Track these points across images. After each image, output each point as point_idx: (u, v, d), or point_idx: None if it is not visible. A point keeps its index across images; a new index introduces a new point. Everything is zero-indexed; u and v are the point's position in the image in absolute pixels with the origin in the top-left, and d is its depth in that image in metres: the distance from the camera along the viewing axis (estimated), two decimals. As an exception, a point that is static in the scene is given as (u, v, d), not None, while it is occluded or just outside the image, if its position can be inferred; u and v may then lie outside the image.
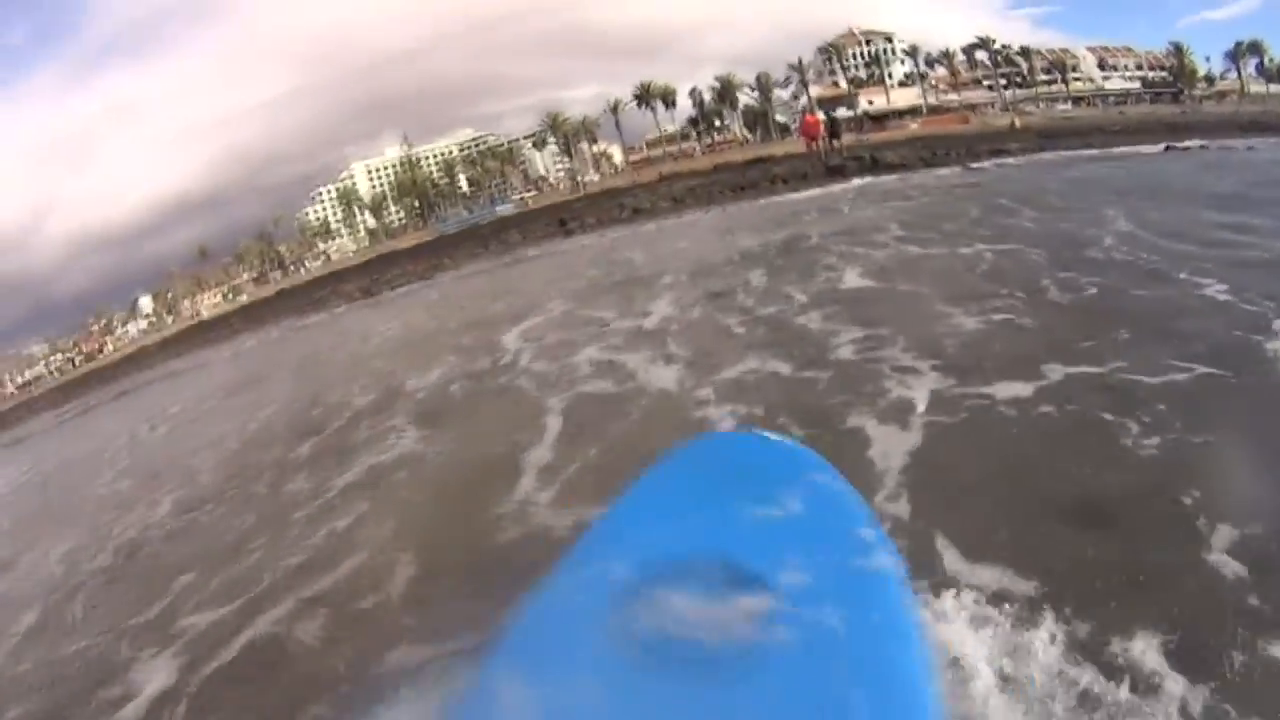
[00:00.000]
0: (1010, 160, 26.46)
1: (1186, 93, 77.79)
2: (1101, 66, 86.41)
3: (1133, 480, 3.89)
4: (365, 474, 6.55)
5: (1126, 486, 3.84)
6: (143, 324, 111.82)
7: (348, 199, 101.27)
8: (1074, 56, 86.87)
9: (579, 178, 78.53)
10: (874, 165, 28.78)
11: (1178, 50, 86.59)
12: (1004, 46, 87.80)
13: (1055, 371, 5.17)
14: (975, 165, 25.36)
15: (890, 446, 4.53)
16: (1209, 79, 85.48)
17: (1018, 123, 51.34)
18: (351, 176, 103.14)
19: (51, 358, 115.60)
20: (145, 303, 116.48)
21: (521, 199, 77.51)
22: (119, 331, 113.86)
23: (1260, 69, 64.69)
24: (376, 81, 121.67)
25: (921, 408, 5.05)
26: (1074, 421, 4.56)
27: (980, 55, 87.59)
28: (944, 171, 24.21)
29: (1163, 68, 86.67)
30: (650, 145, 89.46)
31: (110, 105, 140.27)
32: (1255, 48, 61.50)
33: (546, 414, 6.80)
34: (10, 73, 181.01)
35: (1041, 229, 10.41)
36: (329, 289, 38.61)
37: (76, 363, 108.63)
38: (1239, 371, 4.79)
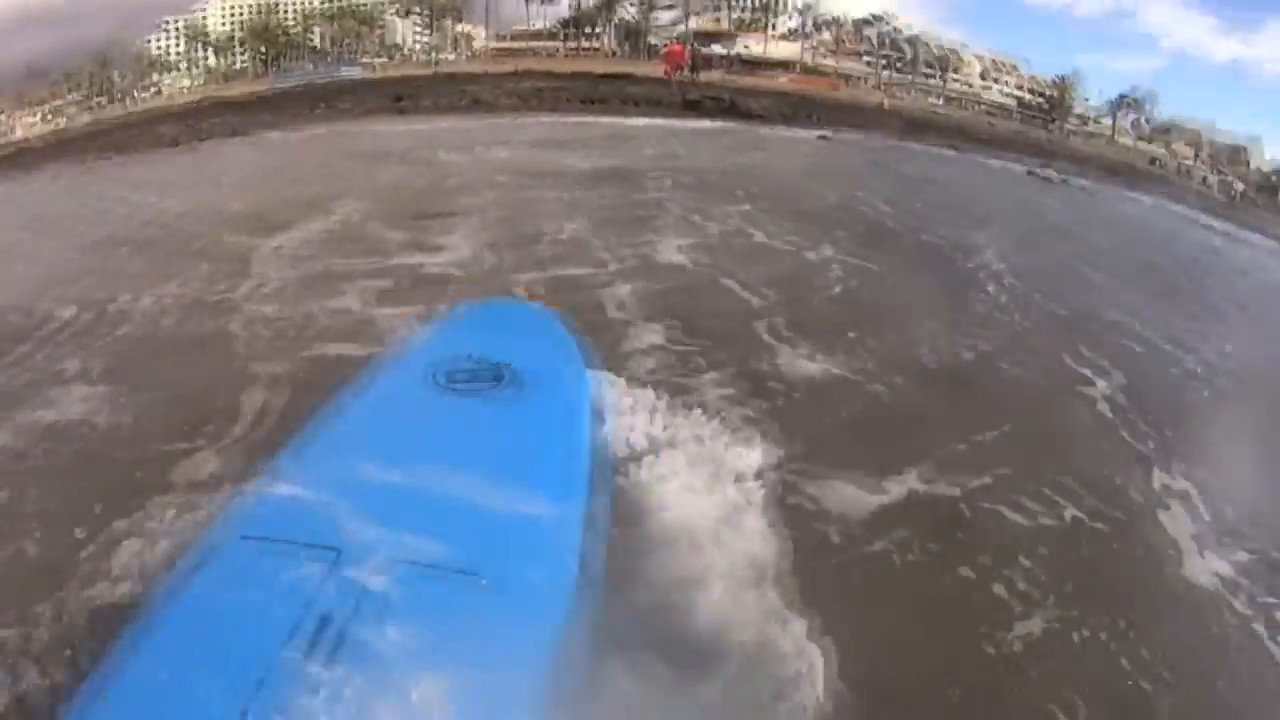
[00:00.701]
0: (871, 141, 26.55)
1: (1058, 124, 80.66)
2: (984, 76, 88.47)
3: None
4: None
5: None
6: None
7: (194, 34, 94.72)
8: (960, 59, 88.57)
9: (434, 54, 75.70)
10: (732, 109, 28.53)
11: (1063, 82, 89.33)
12: (896, 30, 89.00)
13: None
14: (834, 136, 25.27)
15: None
16: (1083, 118, 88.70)
17: (887, 104, 52.13)
18: (204, 11, 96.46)
19: None
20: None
21: (370, 64, 74.09)
22: None
23: (1134, 125, 68.05)
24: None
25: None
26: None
27: (870, 32, 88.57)
28: (802, 134, 24.21)
29: (1042, 94, 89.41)
30: (516, 37, 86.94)
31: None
32: (1137, 104, 64.62)
33: (247, 387, 5.99)
34: None
35: (911, 244, 10.16)
36: (139, 131, 35.81)
37: None
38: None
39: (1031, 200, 18.76)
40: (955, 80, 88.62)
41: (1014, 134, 50.34)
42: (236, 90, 65.83)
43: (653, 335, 6.32)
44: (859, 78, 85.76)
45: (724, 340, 6.84)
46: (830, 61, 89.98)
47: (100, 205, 13.85)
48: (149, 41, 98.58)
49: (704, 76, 41.69)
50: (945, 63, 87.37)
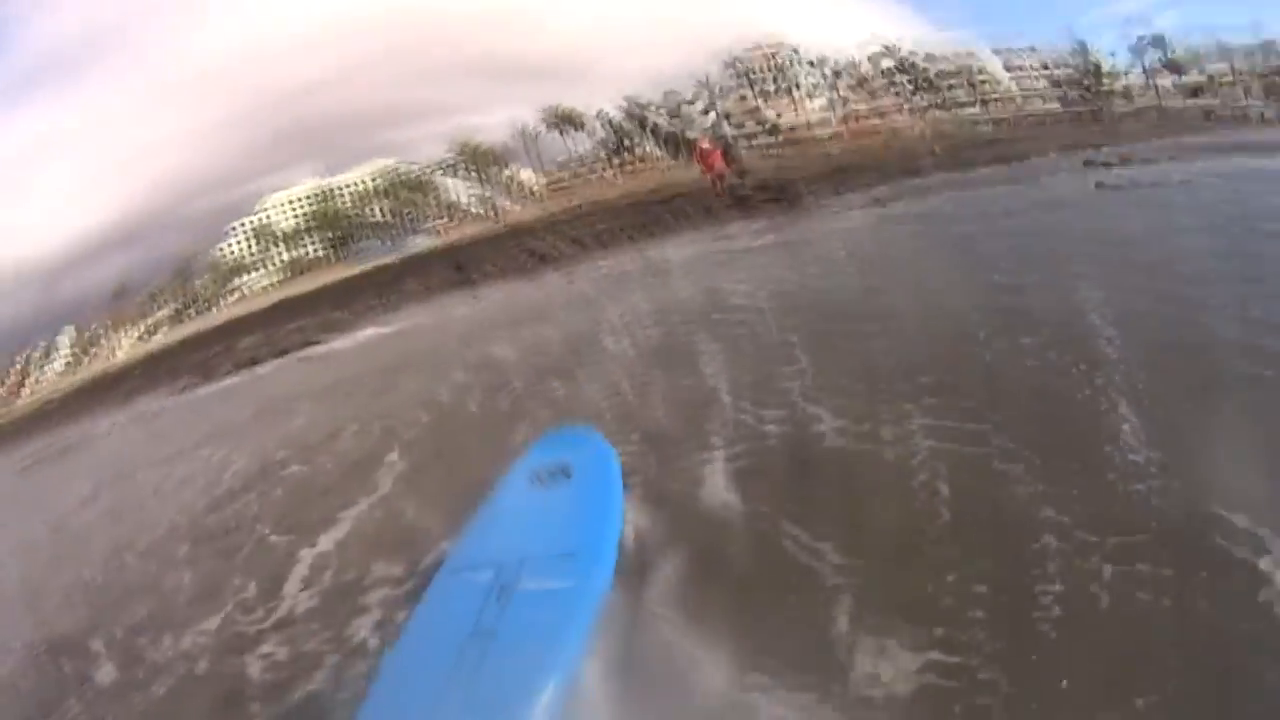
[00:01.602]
0: (928, 188, 25.73)
1: (1094, 89, 78.85)
2: (1008, 69, 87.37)
3: None
4: None
5: None
6: (59, 365, 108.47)
7: (262, 234, 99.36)
8: (978, 58, 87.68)
9: (493, 206, 77.87)
10: (780, 196, 28.14)
11: (1082, 48, 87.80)
12: (910, 53, 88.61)
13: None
14: (888, 197, 24.38)
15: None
16: (1113, 74, 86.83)
17: (929, 134, 51.45)
18: (267, 210, 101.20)
19: None
20: (64, 340, 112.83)
21: (437, 229, 76.52)
22: (35, 374, 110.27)
23: (1164, 63, 65.97)
24: (290, 112, 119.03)
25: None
26: None
27: (886, 63, 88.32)
28: (856, 208, 23.37)
29: (1068, 66, 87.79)
30: (564, 170, 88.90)
31: (22, 141, 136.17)
32: (1159, 41, 62.72)
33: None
34: None
35: (1006, 352, 7.98)
36: (222, 350, 37.12)
37: None
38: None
39: (1102, 212, 16.71)
40: (983, 81, 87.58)
41: (1058, 121, 48.76)
42: (309, 284, 68.40)
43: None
44: (894, 112, 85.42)
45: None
46: (862, 106, 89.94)
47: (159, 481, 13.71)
48: (222, 248, 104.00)
49: (745, 160, 41.64)
50: (967, 69, 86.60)
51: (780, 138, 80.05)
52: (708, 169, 33.95)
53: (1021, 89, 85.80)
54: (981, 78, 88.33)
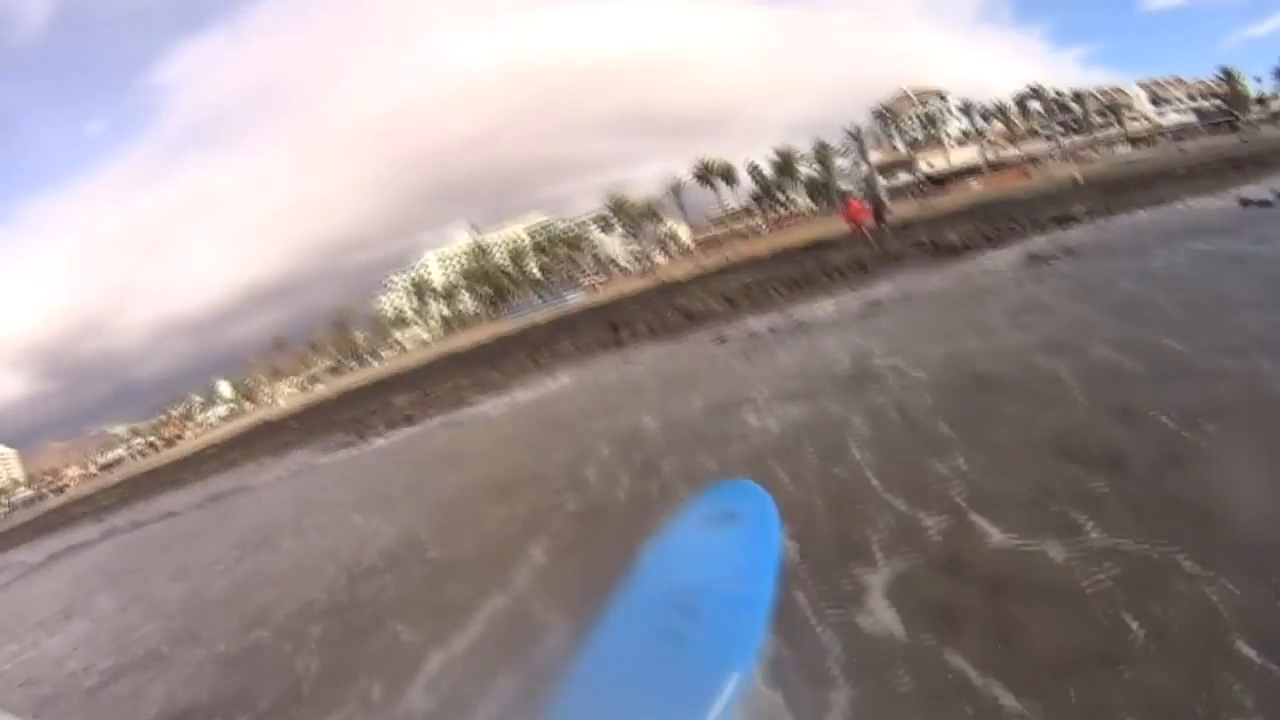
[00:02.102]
0: (1080, 234, 24.50)
1: (1242, 119, 74.51)
2: (1154, 101, 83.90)
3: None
4: None
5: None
6: (222, 410, 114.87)
7: (420, 289, 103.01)
8: (1125, 94, 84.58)
9: (645, 259, 78.79)
10: (933, 247, 27.29)
11: (1228, 76, 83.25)
12: (1058, 93, 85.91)
13: None
14: (1044, 246, 23.10)
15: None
16: (1261, 100, 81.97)
17: (1080, 177, 49.82)
18: (425, 265, 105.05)
19: (133, 441, 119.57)
20: (224, 389, 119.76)
21: (591, 285, 77.88)
22: (199, 417, 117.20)
23: None
24: (445, 167, 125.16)
25: None
26: None
27: (1034, 104, 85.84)
28: (1008, 258, 22.22)
29: (1215, 95, 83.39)
30: (715, 223, 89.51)
31: (188, 195, 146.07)
32: None
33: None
34: (92, 161, 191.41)
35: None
36: (378, 406, 38.07)
37: (157, 446, 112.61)
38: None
39: (1261, 254, 15.17)
40: (1131, 118, 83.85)
41: (1207, 152, 46.31)
42: (464, 340, 70.13)
43: None
44: (1043, 155, 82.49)
45: None
46: (1011, 150, 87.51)
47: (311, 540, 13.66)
48: (380, 302, 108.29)
49: (896, 211, 40.79)
50: (1114, 105, 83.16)
51: (929, 185, 78.63)
52: (855, 224, 33.40)
53: (1167, 122, 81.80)
54: (1129, 114, 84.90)
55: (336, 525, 13.89)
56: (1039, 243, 23.91)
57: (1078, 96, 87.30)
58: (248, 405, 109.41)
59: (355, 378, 77.47)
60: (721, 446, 10.40)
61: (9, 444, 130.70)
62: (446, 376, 38.71)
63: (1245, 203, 22.60)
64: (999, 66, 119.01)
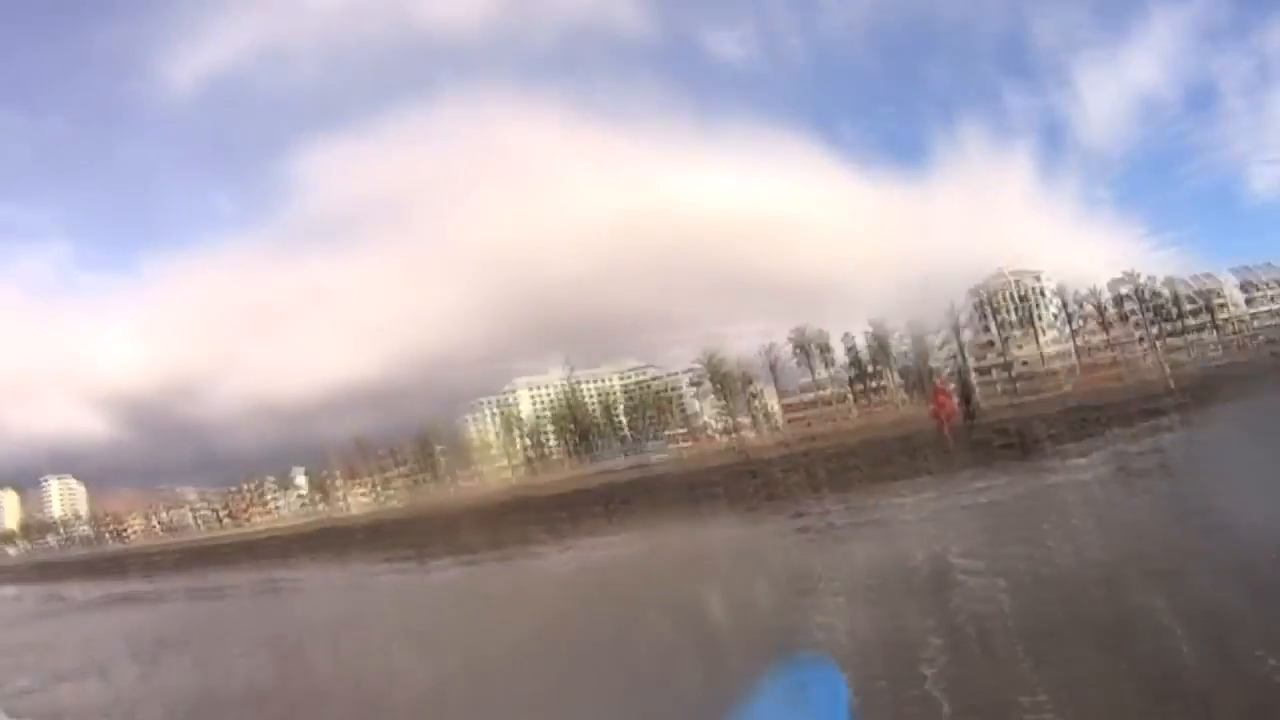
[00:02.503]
0: (1172, 434, 23.60)
1: None
2: (1244, 289, 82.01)
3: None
4: None
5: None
6: (294, 499, 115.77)
7: (508, 420, 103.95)
8: (1217, 281, 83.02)
9: (733, 425, 78.73)
10: (1019, 445, 26.55)
11: None
12: (1150, 278, 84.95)
13: None
14: (1135, 455, 21.94)
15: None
16: None
17: (1171, 379, 48.95)
18: (515, 395, 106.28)
19: (200, 508, 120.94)
20: (300, 479, 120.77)
21: (676, 447, 77.86)
22: (270, 501, 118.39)
23: None
24: (549, 303, 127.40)
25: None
26: None
27: (1126, 290, 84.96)
28: (1098, 466, 21.24)
29: None
30: (804, 394, 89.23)
31: (303, 285, 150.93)
32: None
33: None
34: (217, 232, 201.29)
35: None
36: (443, 529, 37.77)
37: (221, 520, 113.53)
38: None
39: None
40: (1221, 309, 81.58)
41: None
42: (542, 478, 70.18)
43: None
44: (1133, 346, 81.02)
45: None
46: (1101, 338, 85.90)
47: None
48: (467, 424, 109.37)
49: (985, 403, 40.20)
50: (1205, 296, 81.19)
51: (1018, 374, 77.69)
52: (939, 412, 33.10)
53: (1255, 312, 79.70)
54: (1219, 301, 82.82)
55: (368, 655, 13.64)
56: (1130, 447, 23.16)
57: (1169, 282, 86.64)
58: (319, 500, 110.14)
59: (429, 498, 77.68)
60: (787, 638, 9.99)
61: (80, 479, 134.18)
62: (518, 512, 38.64)
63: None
64: (1097, 250, 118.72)
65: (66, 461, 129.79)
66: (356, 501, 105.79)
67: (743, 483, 33.08)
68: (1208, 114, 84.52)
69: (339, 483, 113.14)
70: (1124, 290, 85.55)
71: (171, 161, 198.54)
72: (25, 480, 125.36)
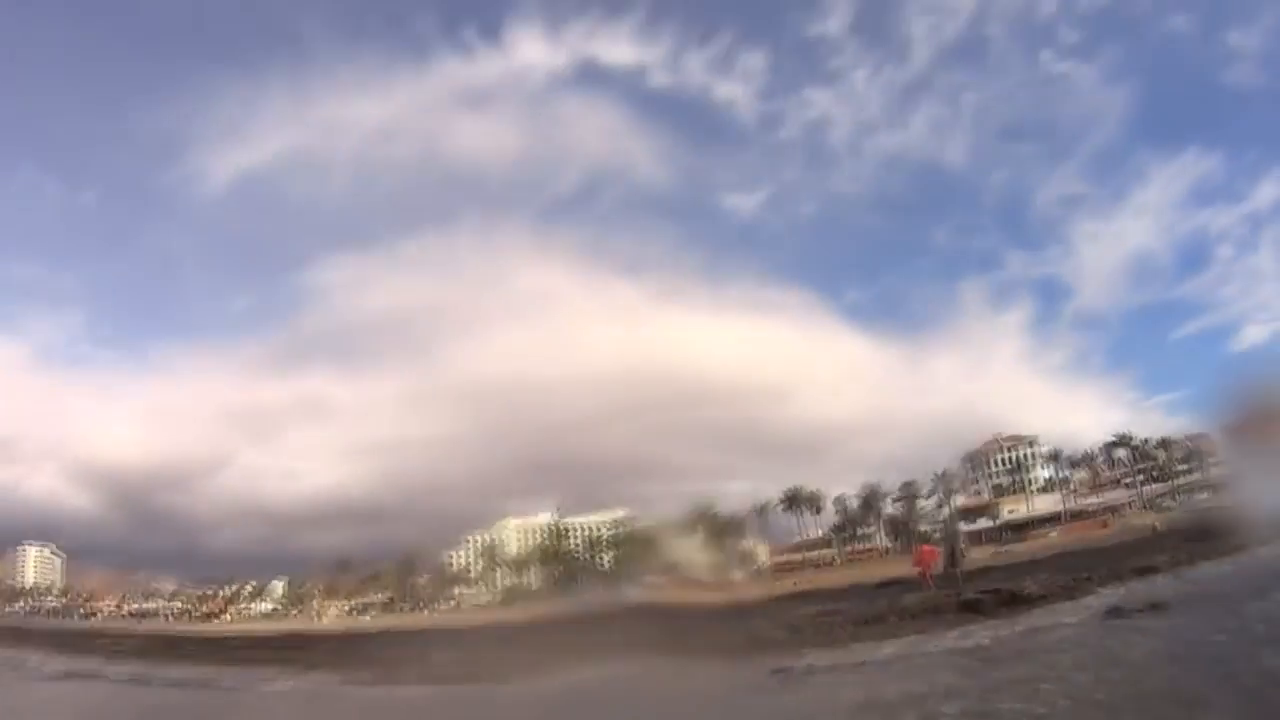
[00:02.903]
0: (1162, 584, 23.42)
1: None
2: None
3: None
4: None
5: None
6: (267, 606, 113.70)
7: (492, 554, 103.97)
8: (1209, 439, 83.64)
9: (721, 573, 78.53)
10: (1007, 598, 26.26)
11: None
12: (1144, 440, 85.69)
13: None
14: (1123, 600, 21.58)
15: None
16: None
17: (1159, 525, 48.94)
18: (503, 530, 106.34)
19: (173, 600, 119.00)
20: (278, 588, 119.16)
21: (652, 583, 77.27)
22: (244, 605, 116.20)
23: None
24: (545, 443, 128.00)
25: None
26: None
27: (1119, 453, 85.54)
28: (1087, 614, 20.89)
29: None
30: (793, 550, 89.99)
31: (305, 394, 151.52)
32: None
33: None
34: (227, 331, 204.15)
35: None
36: (416, 655, 37.05)
37: (193, 615, 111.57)
38: None
39: None
40: (1214, 464, 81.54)
41: None
42: (523, 614, 68.52)
43: None
44: (1124, 505, 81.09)
45: None
46: (1092, 498, 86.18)
47: None
48: (451, 555, 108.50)
49: (975, 554, 40.22)
50: (1198, 452, 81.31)
51: (1009, 531, 77.76)
52: (922, 569, 33.25)
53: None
54: (1211, 459, 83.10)
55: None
56: (1119, 594, 23.03)
57: (1163, 444, 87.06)
58: (294, 611, 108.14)
59: (406, 619, 76.25)
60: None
61: (60, 550, 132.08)
62: (492, 643, 37.87)
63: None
64: (1088, 413, 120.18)
65: (48, 530, 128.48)
66: (330, 616, 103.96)
67: (724, 624, 32.66)
68: (1201, 275, 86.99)
69: (317, 597, 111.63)
70: (1118, 453, 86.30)
71: (195, 252, 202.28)
72: (3, 542, 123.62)
